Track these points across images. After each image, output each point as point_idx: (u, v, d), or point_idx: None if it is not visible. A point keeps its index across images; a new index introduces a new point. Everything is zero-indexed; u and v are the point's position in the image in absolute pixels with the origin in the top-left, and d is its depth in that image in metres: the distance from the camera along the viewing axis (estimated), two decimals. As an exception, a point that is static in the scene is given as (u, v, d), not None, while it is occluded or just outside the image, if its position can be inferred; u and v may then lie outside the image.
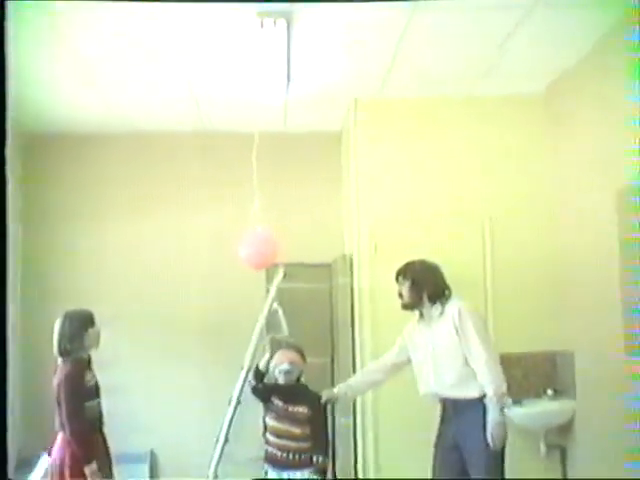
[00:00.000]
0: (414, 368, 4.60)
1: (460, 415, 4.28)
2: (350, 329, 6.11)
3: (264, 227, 5.78)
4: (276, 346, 5.01)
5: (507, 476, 5.28)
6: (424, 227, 5.96)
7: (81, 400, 4.48)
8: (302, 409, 4.50)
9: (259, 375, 4.69)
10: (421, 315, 4.53)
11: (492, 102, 6.07)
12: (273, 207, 5.71)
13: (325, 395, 4.69)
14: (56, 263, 6.73)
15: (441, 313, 4.40)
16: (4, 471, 2.72)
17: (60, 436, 4.51)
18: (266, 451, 4.52)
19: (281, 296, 5.90)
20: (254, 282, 6.29)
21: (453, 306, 4.37)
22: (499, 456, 4.21)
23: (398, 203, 6.07)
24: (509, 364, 5.76)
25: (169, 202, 6.89)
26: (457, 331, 4.25)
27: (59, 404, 4.47)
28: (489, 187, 6.05)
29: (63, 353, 4.57)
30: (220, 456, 5.52)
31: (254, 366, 4.82)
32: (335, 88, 5.88)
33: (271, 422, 4.53)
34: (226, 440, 5.52)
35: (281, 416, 4.50)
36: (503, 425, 4.14)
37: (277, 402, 4.55)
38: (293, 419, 4.48)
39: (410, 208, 6.04)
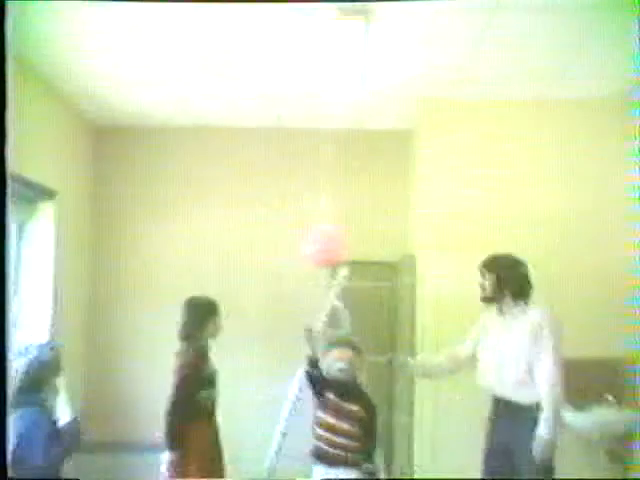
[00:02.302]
0: (479, 358, 4.57)
1: (513, 419, 4.25)
2: (411, 328, 6.11)
3: (330, 224, 5.81)
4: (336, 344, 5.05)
5: None
6: (488, 229, 5.92)
7: (188, 390, 4.57)
8: (355, 408, 4.48)
9: (313, 362, 4.72)
10: (500, 310, 4.46)
11: (564, 106, 5.98)
12: (340, 204, 5.73)
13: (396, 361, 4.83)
14: (123, 254, 6.90)
15: (523, 312, 4.33)
16: (4, 471, 2.79)
17: None
18: (314, 445, 4.50)
19: (344, 294, 5.93)
20: (318, 279, 6.30)
21: (538, 310, 4.31)
22: (550, 466, 4.14)
23: (464, 204, 6.02)
24: (571, 369, 5.74)
25: (236, 197, 6.98)
26: (536, 337, 4.18)
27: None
28: (559, 193, 5.98)
29: (184, 338, 4.70)
30: (278, 451, 5.58)
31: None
32: (408, 87, 5.88)
33: (322, 416, 4.52)
34: (284, 435, 5.58)
35: (333, 411, 4.49)
36: (550, 443, 4.07)
37: (331, 396, 4.54)
38: (345, 416, 4.46)
39: (475, 210, 6.00)
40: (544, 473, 4.12)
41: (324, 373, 4.65)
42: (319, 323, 5.68)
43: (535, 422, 4.12)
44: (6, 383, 2.87)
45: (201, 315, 4.73)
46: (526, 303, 4.34)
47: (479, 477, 4.55)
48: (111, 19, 4.50)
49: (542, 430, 4.05)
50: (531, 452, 4.07)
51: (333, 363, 4.60)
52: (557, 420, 4.08)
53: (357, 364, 4.61)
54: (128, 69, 5.51)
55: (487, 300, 4.48)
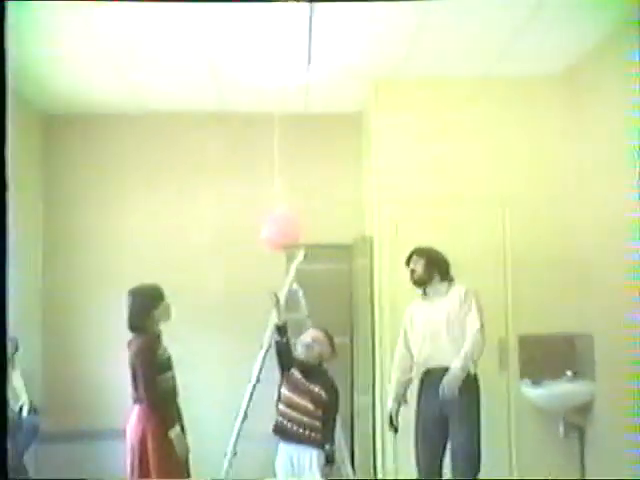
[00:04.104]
0: (412, 344, 5.02)
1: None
2: (370, 309, 6.14)
3: (285, 208, 5.79)
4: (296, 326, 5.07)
5: (525, 455, 5.78)
6: (444, 209, 5.96)
7: (155, 372, 4.59)
8: (318, 390, 4.55)
9: (282, 329, 4.79)
10: (424, 293, 5.03)
11: (511, 83, 6.05)
12: (293, 188, 5.73)
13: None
14: (77, 243, 6.80)
15: (447, 291, 4.94)
16: (4, 471, 2.76)
17: (137, 409, 4.63)
18: (277, 421, 4.58)
19: (301, 276, 5.94)
20: (274, 263, 6.29)
21: (461, 286, 4.94)
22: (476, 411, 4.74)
23: (418, 185, 6.04)
24: (528, 346, 5.87)
25: (189, 182, 6.91)
26: (461, 305, 4.82)
27: (135, 377, 4.59)
28: (508, 169, 6.05)
29: (135, 329, 4.69)
30: (239, 433, 5.59)
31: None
32: (355, 69, 5.88)
33: (287, 393, 4.58)
34: (245, 417, 5.59)
35: (297, 389, 4.56)
36: (458, 379, 4.60)
37: (296, 374, 4.61)
38: (307, 395, 4.54)
39: (430, 189, 6.02)
40: (472, 410, 4.71)
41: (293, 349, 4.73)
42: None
43: (465, 385, 4.67)
44: (6, 383, 2.83)
45: (147, 303, 4.71)
46: (450, 283, 4.97)
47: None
48: (60, 8, 4.44)
49: (456, 364, 4.63)
50: (463, 405, 4.65)
51: (302, 339, 4.71)
52: (466, 360, 4.65)
53: (323, 346, 4.69)
54: (77, 58, 5.43)
55: (419, 283, 5.04)
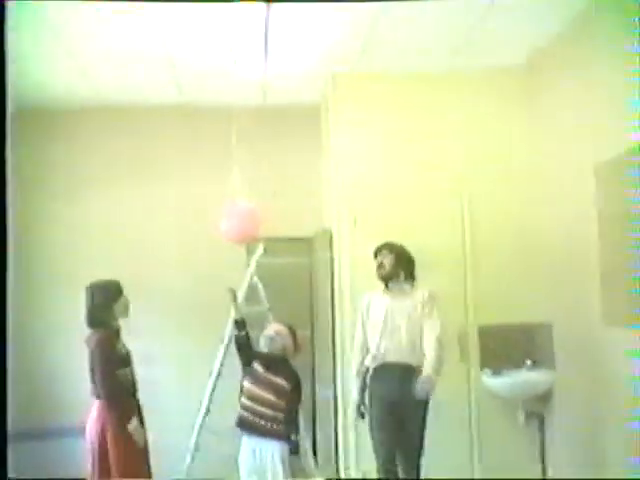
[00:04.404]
0: (368, 333, 5.06)
1: (402, 379, 4.79)
2: (330, 302, 6.13)
3: (245, 201, 5.77)
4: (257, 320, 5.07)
5: (486, 444, 5.83)
6: (404, 202, 5.98)
7: (114, 366, 4.56)
8: (281, 381, 4.57)
9: (240, 324, 4.82)
10: (386, 287, 5.05)
11: (471, 75, 6.07)
12: (253, 181, 5.71)
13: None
14: (38, 236, 6.68)
15: (409, 291, 5.00)
16: (4, 471, 2.72)
17: (96, 405, 4.59)
18: (240, 415, 4.58)
19: (261, 270, 5.93)
20: (234, 256, 6.27)
21: (424, 289, 5.01)
22: (427, 401, 4.82)
23: (377, 177, 6.05)
24: (488, 335, 5.92)
25: (148, 175, 6.85)
26: (423, 307, 4.90)
27: (93, 372, 4.56)
28: (468, 161, 6.07)
29: (94, 324, 4.64)
30: (201, 427, 5.57)
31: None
32: (313, 62, 5.87)
33: (249, 386, 4.60)
34: (207, 411, 5.58)
35: (260, 382, 4.57)
36: (432, 381, 4.71)
37: (258, 367, 4.63)
38: (270, 387, 4.55)
39: (389, 182, 6.03)
40: (423, 408, 4.83)
41: (255, 345, 4.77)
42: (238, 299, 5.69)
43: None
44: (6, 382, 2.78)
45: (106, 297, 4.67)
46: (412, 284, 5.04)
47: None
48: (20, 5, 4.38)
49: (426, 369, 4.72)
50: (416, 402, 4.74)
51: (266, 333, 4.73)
52: (437, 364, 4.75)
53: (286, 340, 4.73)
54: (34, 50, 5.33)
55: (386, 277, 5.05)
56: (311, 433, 6.23)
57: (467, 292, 5.98)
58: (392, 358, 4.89)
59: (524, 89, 6.04)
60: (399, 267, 5.02)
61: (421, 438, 4.84)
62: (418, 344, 4.84)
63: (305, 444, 5.73)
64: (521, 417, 5.79)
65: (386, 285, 5.06)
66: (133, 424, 4.53)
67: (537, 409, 5.81)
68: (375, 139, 6.13)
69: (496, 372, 5.79)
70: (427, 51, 5.69)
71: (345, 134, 6.18)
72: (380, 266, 5.05)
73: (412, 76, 6.11)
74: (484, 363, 5.90)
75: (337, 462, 6.00)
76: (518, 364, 5.80)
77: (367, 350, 5.05)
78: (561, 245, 5.47)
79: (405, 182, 6.04)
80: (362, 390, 5.05)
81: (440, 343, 4.80)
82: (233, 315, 4.89)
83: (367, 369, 5.04)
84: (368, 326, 5.07)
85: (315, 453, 6.09)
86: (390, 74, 6.10)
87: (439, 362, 4.77)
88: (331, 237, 6.22)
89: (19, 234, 6.62)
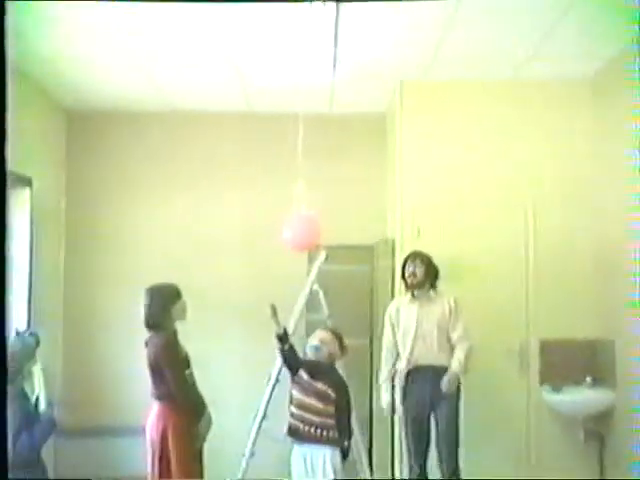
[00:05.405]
0: (398, 338, 5.39)
1: (432, 380, 5.16)
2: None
3: (307, 209, 5.79)
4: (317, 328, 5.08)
5: (545, 461, 5.81)
6: (468, 213, 5.96)
7: (182, 367, 4.67)
8: (324, 387, 4.56)
9: (282, 338, 4.78)
10: (413, 296, 5.38)
11: (538, 86, 6.03)
12: (317, 189, 5.73)
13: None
14: (97, 240, 6.88)
15: (435, 298, 5.34)
16: (4, 471, 2.77)
17: (157, 406, 4.66)
18: (289, 423, 4.60)
19: (322, 277, 5.94)
20: (296, 263, 6.32)
21: (449, 296, 5.34)
22: (457, 394, 5.23)
23: (441, 187, 6.05)
24: (549, 350, 5.83)
25: (212, 182, 6.97)
26: (450, 313, 5.27)
27: (160, 375, 4.60)
28: (533, 172, 6.04)
29: (152, 326, 4.71)
30: (257, 433, 5.60)
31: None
32: (381, 70, 5.88)
33: (296, 394, 4.62)
34: (264, 417, 5.60)
35: (306, 389, 4.58)
36: (457, 376, 5.16)
37: (303, 375, 4.64)
38: (315, 394, 4.55)
39: (453, 192, 6.03)
40: (455, 404, 5.21)
41: (302, 353, 4.78)
42: (298, 307, 5.73)
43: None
44: (6, 382, 2.85)
45: (164, 300, 4.73)
46: (435, 291, 5.38)
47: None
48: (84, 5, 4.46)
49: (453, 366, 5.14)
50: (448, 398, 5.14)
51: (310, 342, 4.74)
52: (463, 362, 5.15)
53: (332, 347, 4.71)
54: (101, 55, 5.45)
55: (416, 286, 5.37)
56: (367, 441, 6.21)
57: (529, 305, 5.92)
58: (424, 361, 5.26)
59: (591, 101, 5.96)
60: (428, 277, 5.35)
61: (456, 430, 5.18)
62: (446, 346, 5.24)
63: (360, 452, 5.73)
64: (581, 435, 5.71)
65: (412, 294, 5.39)
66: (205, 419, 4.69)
67: (597, 428, 5.71)
68: (441, 148, 6.13)
69: (556, 388, 5.71)
70: (496, 61, 5.67)
71: (412, 142, 6.18)
72: (412, 275, 5.36)
73: (480, 85, 6.10)
74: (544, 378, 5.84)
75: (393, 472, 5.98)
76: (578, 381, 5.72)
77: (397, 355, 5.40)
78: (625, 260, 5.36)
79: (470, 193, 6.03)
80: (392, 394, 5.40)
81: (466, 344, 5.20)
82: (275, 330, 4.86)
83: (395, 372, 5.39)
84: (398, 332, 5.40)
85: (371, 462, 6.07)
86: (458, 83, 6.10)
87: (465, 361, 5.16)
88: (393, 245, 6.21)
89: (81, 237, 6.82)
